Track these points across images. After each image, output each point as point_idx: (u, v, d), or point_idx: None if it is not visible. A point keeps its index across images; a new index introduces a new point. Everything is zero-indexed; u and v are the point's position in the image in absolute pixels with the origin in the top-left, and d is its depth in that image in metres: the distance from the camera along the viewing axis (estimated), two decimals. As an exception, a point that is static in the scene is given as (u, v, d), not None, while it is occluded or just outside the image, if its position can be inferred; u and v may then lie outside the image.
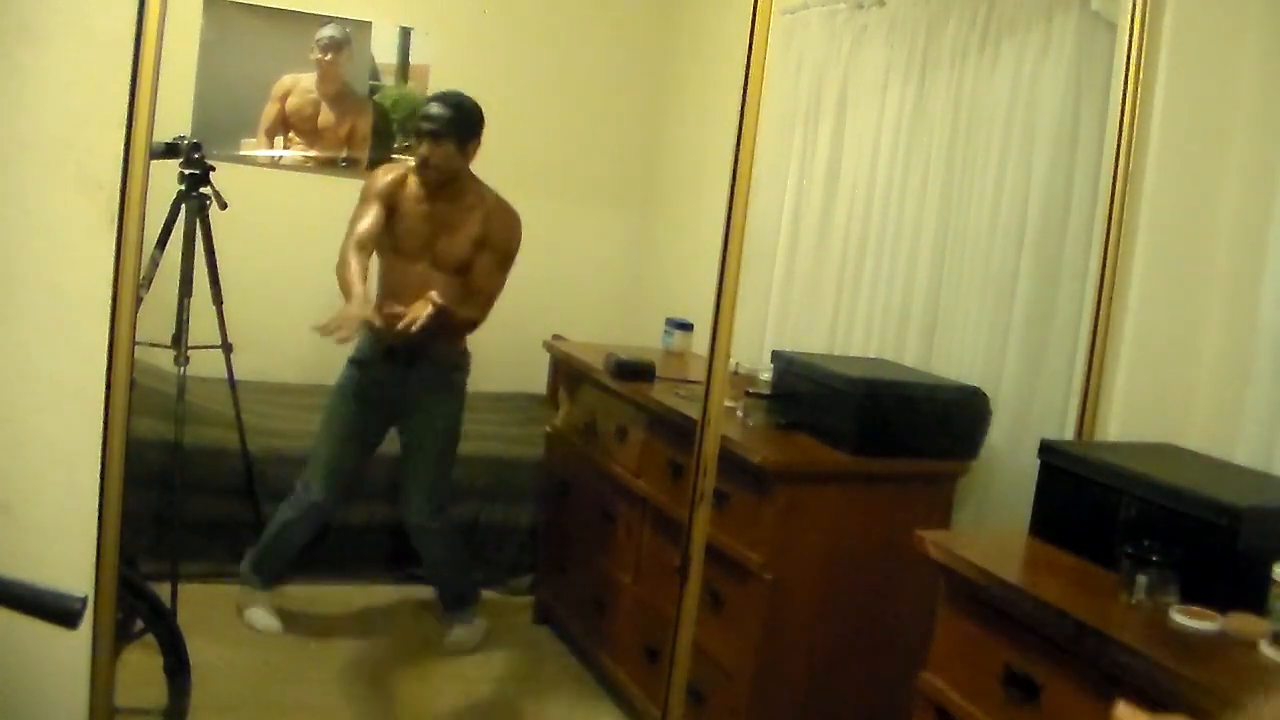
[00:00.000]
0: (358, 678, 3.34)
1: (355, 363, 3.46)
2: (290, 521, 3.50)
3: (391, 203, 3.36)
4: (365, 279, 3.27)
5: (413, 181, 3.37)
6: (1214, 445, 2.33)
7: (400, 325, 3.13)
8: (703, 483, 2.39)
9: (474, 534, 4.08)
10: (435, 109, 3.29)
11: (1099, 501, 2.04)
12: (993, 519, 2.85)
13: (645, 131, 5.10)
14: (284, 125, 4.69)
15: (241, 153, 4.61)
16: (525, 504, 4.10)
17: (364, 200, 3.35)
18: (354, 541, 3.96)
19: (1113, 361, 2.52)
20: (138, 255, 1.86)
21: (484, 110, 3.39)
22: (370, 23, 4.73)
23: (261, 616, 3.54)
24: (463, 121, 3.29)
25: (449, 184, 3.33)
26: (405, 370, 3.40)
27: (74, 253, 1.81)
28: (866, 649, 2.75)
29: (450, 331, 3.36)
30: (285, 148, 4.72)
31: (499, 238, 3.38)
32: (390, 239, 3.37)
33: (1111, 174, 2.51)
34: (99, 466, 1.84)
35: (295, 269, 4.59)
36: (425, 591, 3.90)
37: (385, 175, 3.41)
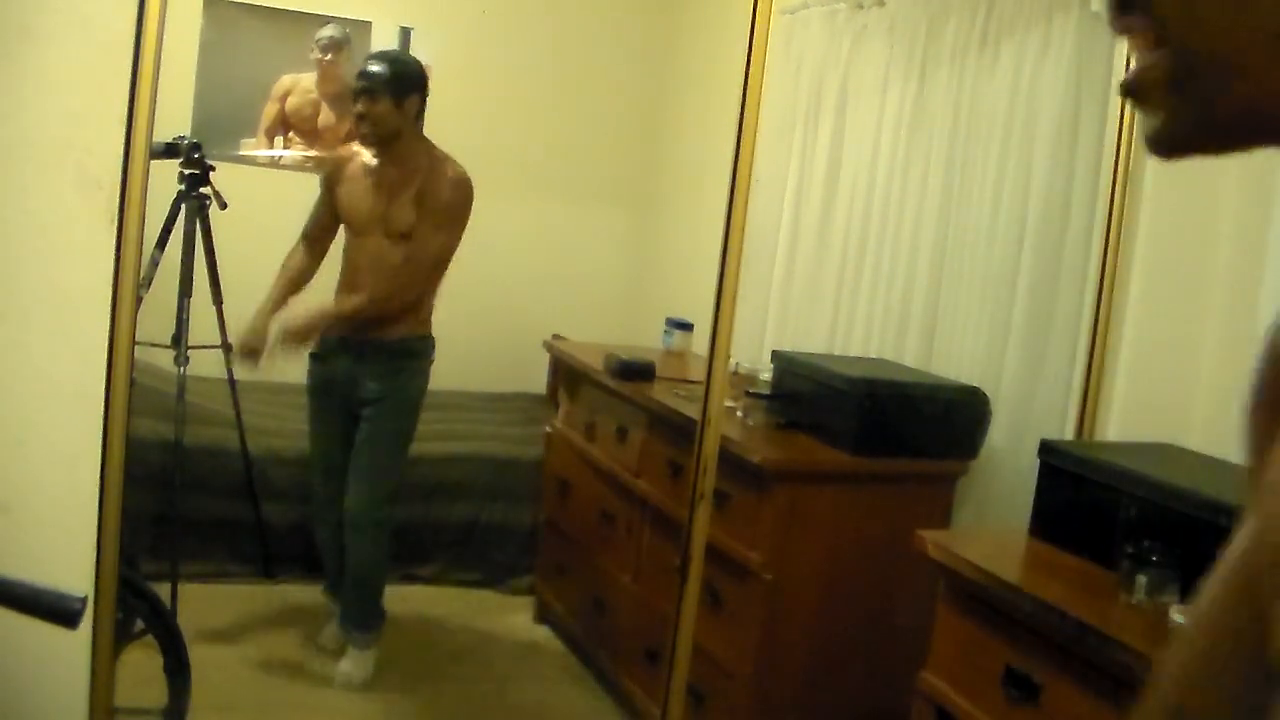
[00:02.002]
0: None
1: (314, 356, 3.38)
2: (320, 536, 3.45)
3: (337, 180, 3.35)
4: (299, 281, 3.38)
5: (361, 156, 3.32)
6: (1214, 445, 2.33)
7: (335, 332, 3.15)
8: (703, 482, 2.39)
9: (474, 534, 4.08)
10: (370, 65, 3.22)
11: (1099, 501, 2.04)
12: (993, 519, 2.85)
13: (645, 131, 5.10)
14: (284, 125, 4.69)
15: (241, 153, 4.61)
16: (525, 504, 4.10)
17: (321, 189, 3.41)
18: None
19: (1113, 361, 2.52)
20: (138, 255, 1.86)
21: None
22: (370, 23, 4.73)
23: (327, 636, 3.46)
24: (398, 76, 3.19)
25: (393, 146, 3.23)
26: (358, 360, 3.28)
27: (74, 252, 1.81)
28: (866, 649, 2.75)
29: (395, 313, 3.25)
30: (285, 148, 4.72)
31: (434, 194, 3.21)
32: (342, 216, 3.35)
33: (1111, 174, 2.51)
34: (99, 466, 1.84)
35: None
36: (425, 591, 3.90)
37: (335, 157, 3.43)
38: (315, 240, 3.42)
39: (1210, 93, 0.50)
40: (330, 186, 3.38)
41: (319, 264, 3.44)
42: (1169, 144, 0.54)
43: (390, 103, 3.17)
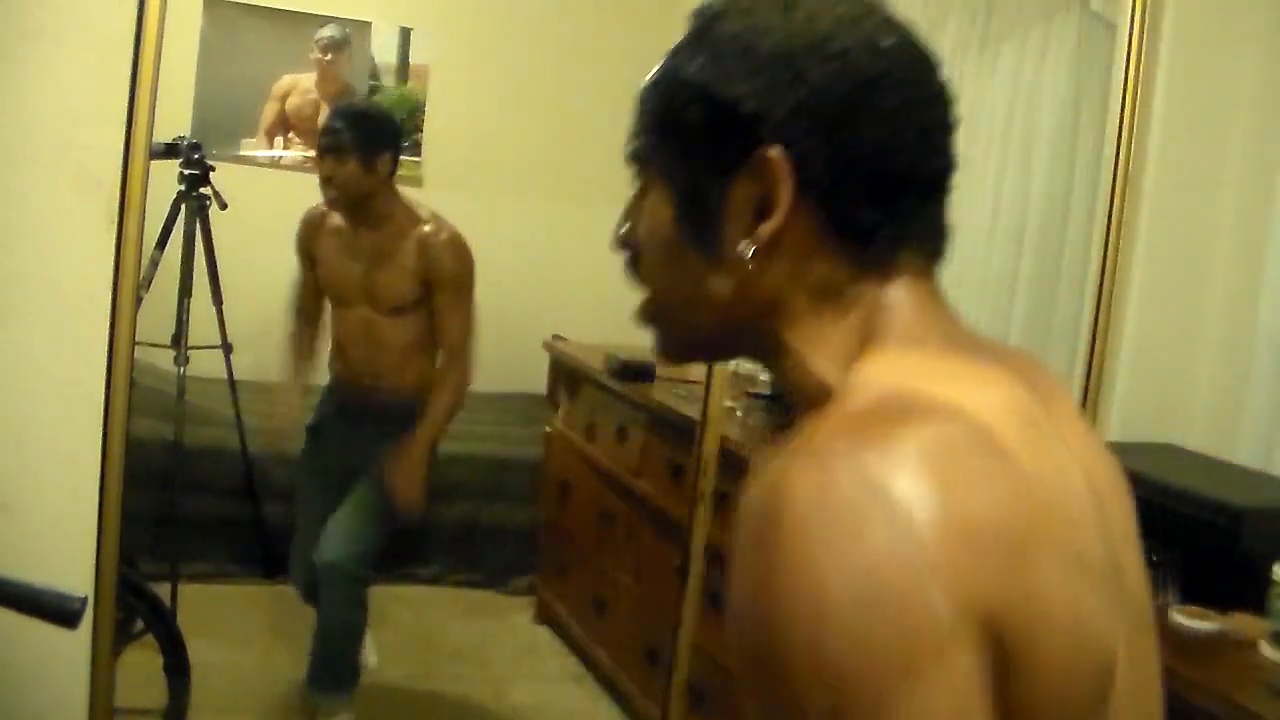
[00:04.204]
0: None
1: (311, 429, 3.14)
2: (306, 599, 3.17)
3: (313, 246, 3.06)
4: (309, 352, 3.17)
5: (332, 217, 3.00)
6: (1214, 445, 2.33)
7: (406, 511, 2.87)
8: (703, 483, 2.39)
9: (474, 534, 4.08)
10: (334, 121, 2.85)
11: (1099, 501, 2.03)
12: (993, 519, 2.84)
13: (645, 131, 5.10)
14: (284, 125, 4.69)
15: (241, 153, 4.61)
16: (525, 504, 4.10)
17: (299, 257, 3.13)
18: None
19: (1113, 361, 2.51)
20: (138, 255, 1.86)
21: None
22: (370, 23, 4.73)
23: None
24: (365, 134, 2.82)
25: (366, 209, 2.91)
26: (361, 425, 3.01)
27: (74, 252, 1.81)
28: (866, 649, 2.74)
29: (414, 378, 3.02)
30: (285, 148, 4.72)
31: (448, 270, 2.94)
32: (324, 288, 3.07)
33: (1111, 174, 2.51)
34: (99, 466, 1.84)
35: (295, 269, 4.59)
36: (425, 591, 3.90)
37: (305, 221, 3.09)
38: (310, 313, 3.16)
39: (667, 326, 0.80)
40: (307, 254, 3.10)
41: (320, 329, 3.18)
42: (663, 354, 0.82)
43: (358, 164, 2.82)
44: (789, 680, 0.58)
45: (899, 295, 0.71)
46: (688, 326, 0.78)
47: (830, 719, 0.57)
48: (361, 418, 3.01)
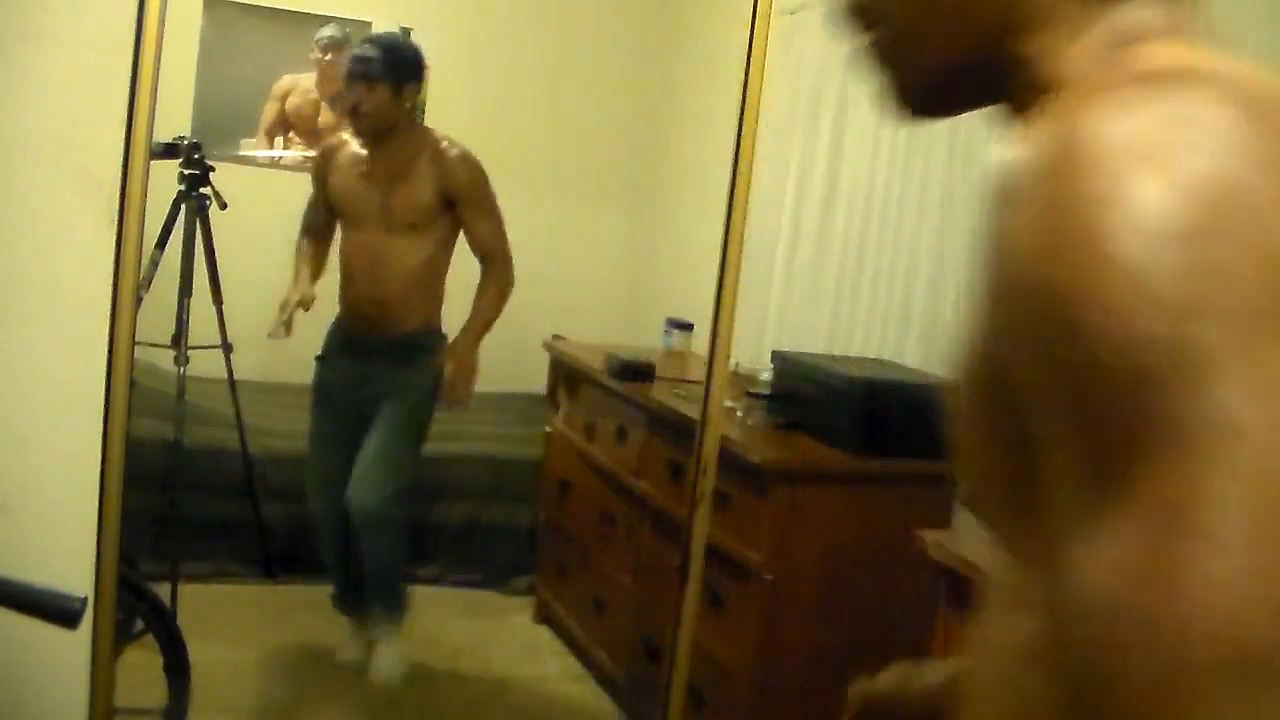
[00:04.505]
0: (357, 678, 3.34)
1: (320, 359, 3.29)
2: (325, 547, 3.35)
3: (328, 173, 3.21)
4: (317, 265, 3.30)
5: (349, 145, 3.17)
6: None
7: (453, 406, 3.07)
8: (703, 483, 2.39)
9: (474, 534, 4.08)
10: (367, 49, 3.02)
11: (1099, 501, 2.03)
12: (993, 519, 2.85)
13: (645, 131, 5.10)
14: (284, 125, 4.70)
15: (241, 153, 4.61)
16: (525, 504, 4.10)
17: (314, 182, 3.31)
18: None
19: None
20: (138, 255, 1.86)
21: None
22: (370, 23, 4.73)
23: (341, 652, 3.39)
24: (398, 62, 3.00)
25: (388, 136, 3.06)
26: (367, 359, 3.18)
27: (74, 252, 1.81)
28: (866, 649, 2.73)
29: (421, 308, 3.19)
30: (285, 148, 4.72)
31: (465, 181, 3.11)
32: (338, 210, 3.21)
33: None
34: (99, 466, 1.84)
35: (295, 270, 4.59)
36: (425, 591, 3.89)
37: (323, 149, 3.31)
38: (318, 232, 3.32)
39: (902, 64, 0.68)
40: (321, 179, 3.25)
41: (327, 245, 3.35)
42: (901, 102, 0.69)
43: (388, 91, 2.99)
44: (1091, 337, 0.47)
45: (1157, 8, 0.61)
46: (924, 57, 0.67)
47: (1152, 381, 0.46)
48: (369, 350, 3.17)
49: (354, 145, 3.16)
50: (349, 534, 3.20)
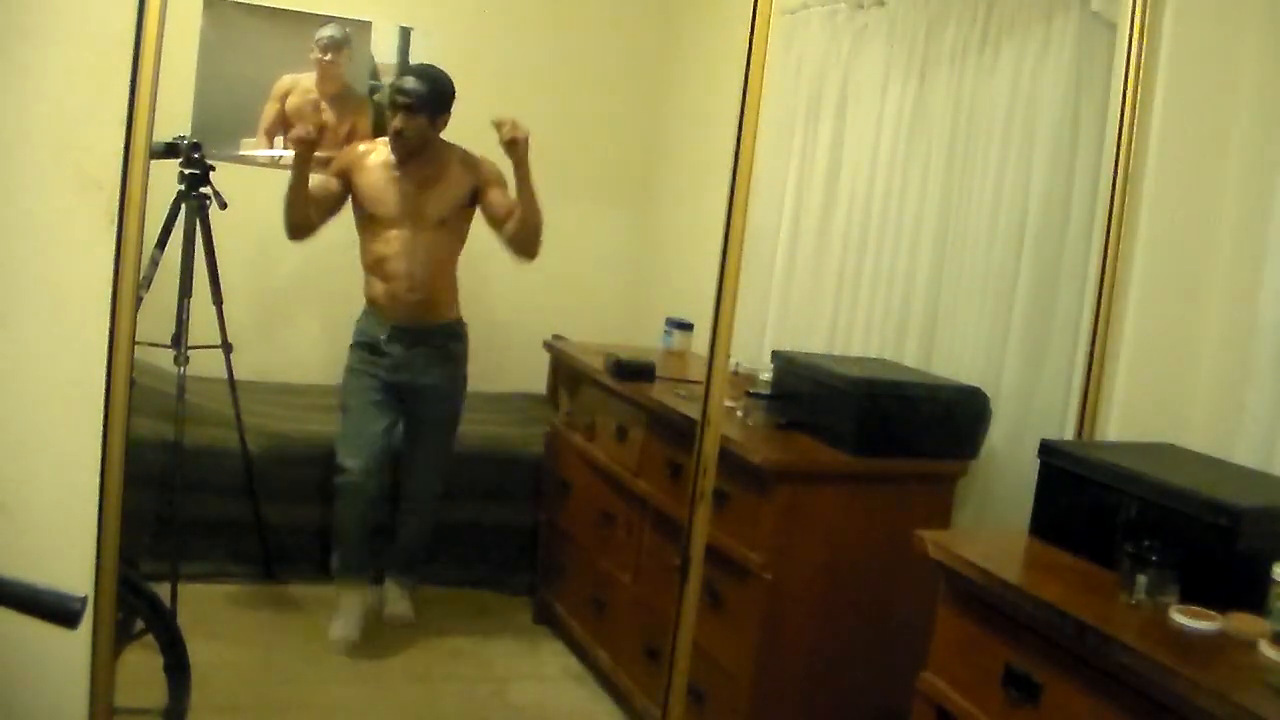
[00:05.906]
0: (357, 678, 3.34)
1: (356, 345, 3.57)
2: (339, 509, 3.52)
3: (354, 172, 3.52)
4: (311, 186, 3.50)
5: (381, 151, 3.53)
6: (1214, 445, 2.33)
7: (506, 137, 3.28)
8: (703, 483, 2.39)
9: (474, 534, 4.08)
10: (410, 83, 3.44)
11: (1099, 501, 2.04)
12: (993, 519, 2.85)
13: (645, 131, 5.10)
14: (284, 125, 4.69)
15: (241, 153, 4.61)
16: (525, 504, 4.10)
17: (330, 173, 3.59)
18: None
19: (1113, 361, 2.52)
20: (138, 255, 1.86)
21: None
22: (370, 23, 4.73)
23: (337, 628, 3.51)
24: (437, 96, 3.46)
25: (420, 153, 3.49)
26: (403, 348, 3.50)
27: (74, 252, 1.81)
28: (866, 649, 2.75)
29: (449, 298, 3.58)
30: (285, 148, 4.72)
31: (487, 170, 3.55)
32: (363, 207, 3.51)
33: (1111, 174, 2.51)
34: (99, 466, 1.84)
35: (295, 269, 4.59)
36: (425, 591, 3.90)
37: (349, 151, 3.64)
38: (316, 201, 3.50)
39: None
40: (344, 174, 3.54)
41: (319, 202, 3.52)
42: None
43: (426, 120, 3.44)
44: None
45: None
46: None
47: None
48: (412, 335, 3.51)
49: (384, 153, 3.51)
50: (374, 498, 3.51)
